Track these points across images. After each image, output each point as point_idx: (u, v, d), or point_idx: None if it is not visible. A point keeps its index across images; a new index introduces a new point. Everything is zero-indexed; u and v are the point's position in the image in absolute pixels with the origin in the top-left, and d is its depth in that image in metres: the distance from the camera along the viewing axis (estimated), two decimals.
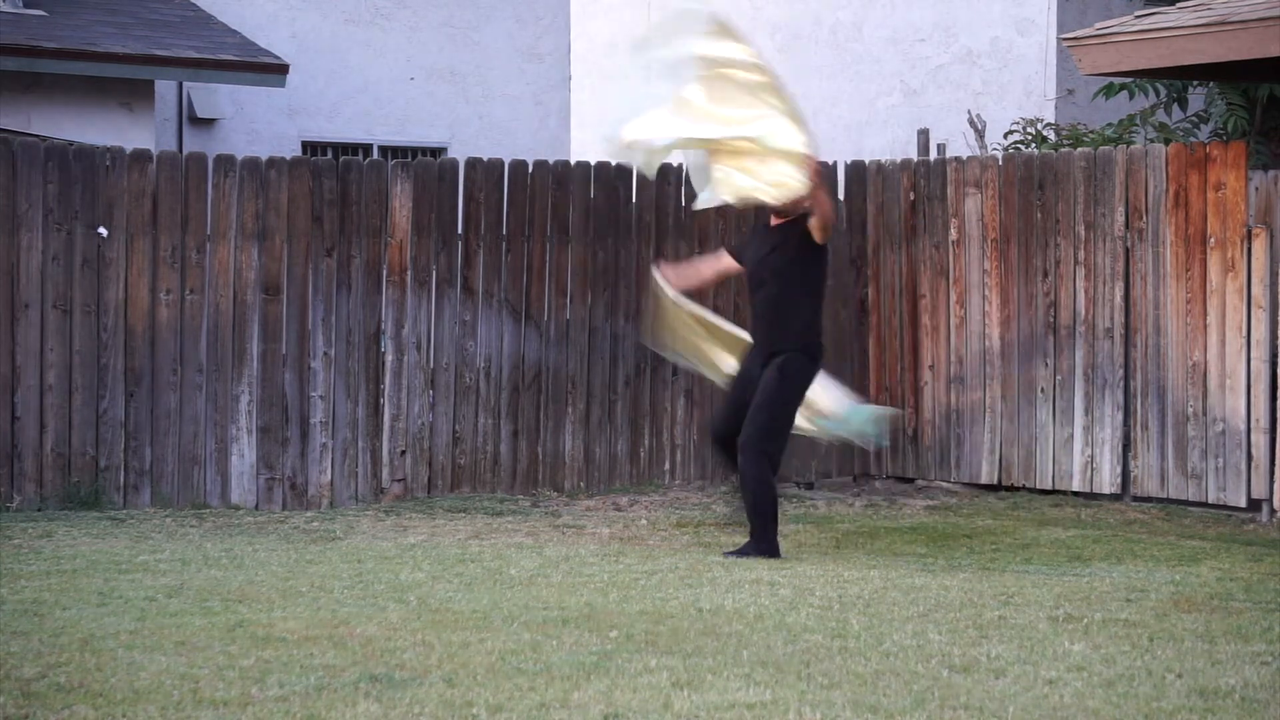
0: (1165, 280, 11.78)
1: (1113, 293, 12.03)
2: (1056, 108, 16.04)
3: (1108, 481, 12.02)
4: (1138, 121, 14.75)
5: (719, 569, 8.80)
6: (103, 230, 11.33)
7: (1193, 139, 14.47)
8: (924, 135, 14.50)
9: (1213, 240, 11.55)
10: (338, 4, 18.48)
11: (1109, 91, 14.58)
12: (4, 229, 11.17)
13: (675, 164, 12.86)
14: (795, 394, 9.58)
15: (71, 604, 7.55)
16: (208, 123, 17.69)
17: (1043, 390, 12.33)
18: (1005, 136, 15.25)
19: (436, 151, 18.15)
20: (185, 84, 17.23)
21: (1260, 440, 11.31)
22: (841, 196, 13.21)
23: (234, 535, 10.31)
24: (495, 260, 12.25)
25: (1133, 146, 12.51)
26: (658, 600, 7.77)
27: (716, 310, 10.94)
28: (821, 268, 9.69)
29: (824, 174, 9.87)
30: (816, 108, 17.62)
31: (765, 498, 9.45)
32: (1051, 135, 15.15)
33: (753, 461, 9.43)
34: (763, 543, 9.45)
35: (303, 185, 11.79)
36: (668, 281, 10.05)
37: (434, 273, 12.08)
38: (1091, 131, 14.81)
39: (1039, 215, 12.41)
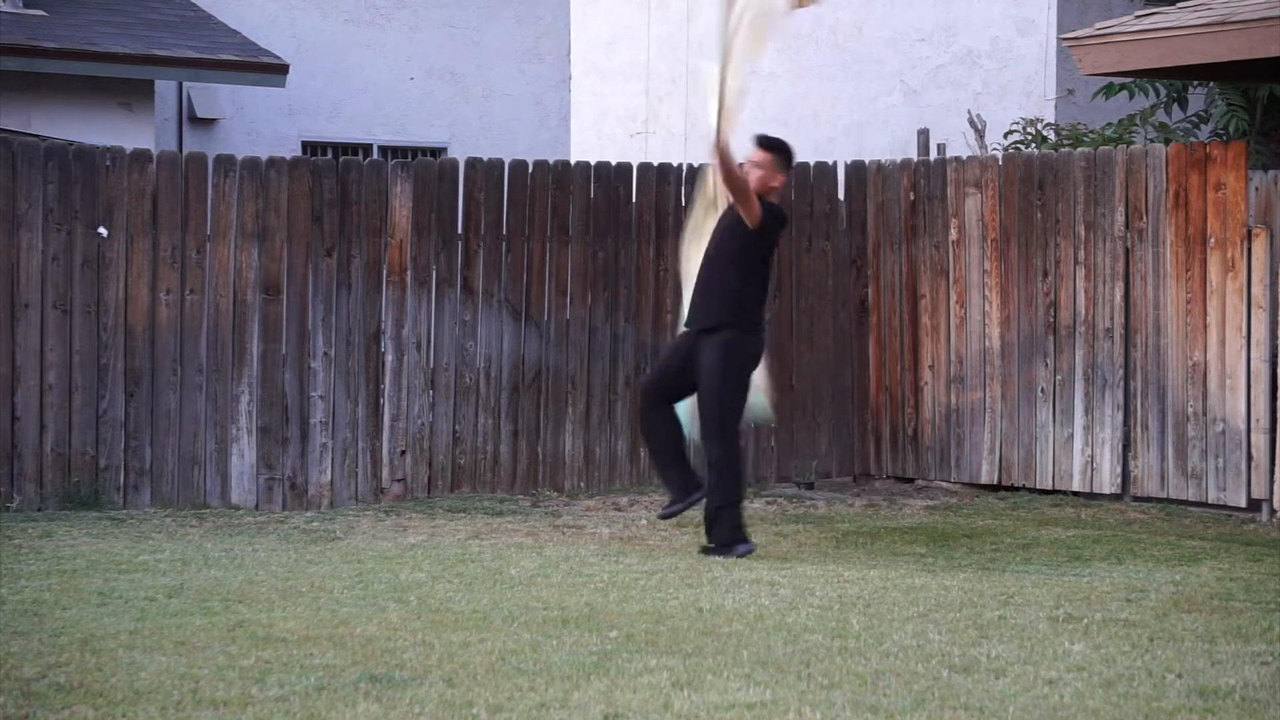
0: (1165, 280, 11.78)
1: (1113, 293, 12.03)
2: (1056, 108, 16.03)
3: (1108, 481, 12.02)
4: (1138, 121, 14.75)
5: (719, 569, 8.80)
6: (103, 230, 11.33)
7: (1193, 139, 14.46)
8: (924, 135, 14.51)
9: (1213, 240, 11.55)
10: (338, 4, 18.48)
11: (1109, 91, 14.57)
12: (4, 229, 11.16)
13: (675, 164, 12.87)
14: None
15: (71, 604, 7.55)
16: (208, 123, 17.69)
17: (1043, 390, 12.33)
18: (1005, 136, 15.25)
19: (436, 151, 18.15)
20: (185, 84, 17.23)
21: (1260, 440, 11.30)
22: (841, 196, 13.21)
23: (234, 535, 10.31)
24: (495, 260, 12.24)
25: (1133, 146, 12.50)
26: (658, 600, 7.78)
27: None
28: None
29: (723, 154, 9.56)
30: (817, 108, 17.62)
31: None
32: (1051, 135, 15.14)
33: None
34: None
35: (303, 185, 11.79)
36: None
37: (434, 273, 12.08)
38: (1091, 131, 14.80)
39: (1039, 215, 12.40)
